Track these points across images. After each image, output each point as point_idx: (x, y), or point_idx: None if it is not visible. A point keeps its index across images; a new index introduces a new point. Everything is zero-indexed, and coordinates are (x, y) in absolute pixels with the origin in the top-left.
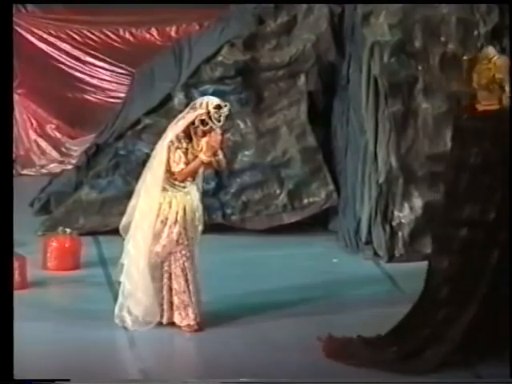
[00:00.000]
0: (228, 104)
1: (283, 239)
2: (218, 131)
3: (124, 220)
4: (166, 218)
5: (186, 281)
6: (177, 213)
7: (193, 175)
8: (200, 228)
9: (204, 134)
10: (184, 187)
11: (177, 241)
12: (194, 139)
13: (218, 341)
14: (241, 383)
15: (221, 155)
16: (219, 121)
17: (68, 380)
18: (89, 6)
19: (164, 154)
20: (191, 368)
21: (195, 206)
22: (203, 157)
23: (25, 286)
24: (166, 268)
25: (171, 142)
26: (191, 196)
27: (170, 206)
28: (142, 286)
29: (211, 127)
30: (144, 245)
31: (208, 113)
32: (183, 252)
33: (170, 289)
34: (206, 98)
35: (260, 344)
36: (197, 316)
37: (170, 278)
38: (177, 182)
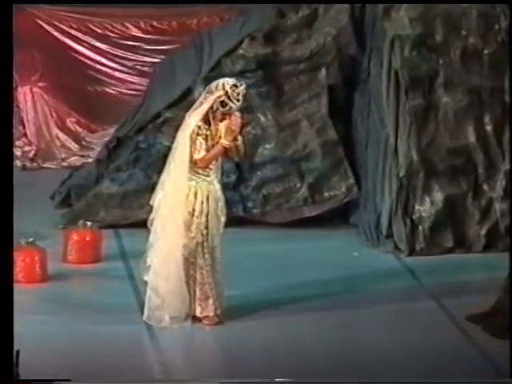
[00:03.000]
0: (243, 83)
1: (304, 233)
2: (238, 114)
3: (153, 214)
4: (193, 209)
5: (208, 272)
6: (202, 203)
7: (214, 161)
8: (223, 219)
9: (223, 117)
10: (207, 175)
11: (201, 231)
12: (213, 124)
13: (239, 334)
14: (250, 383)
15: (240, 141)
16: (238, 100)
17: (68, 380)
18: (89, 6)
19: (187, 143)
20: (211, 362)
21: (218, 196)
22: (224, 141)
23: (45, 279)
24: (191, 260)
25: (192, 130)
26: (214, 186)
27: (196, 197)
28: (179, 279)
29: (231, 108)
30: (178, 237)
31: (226, 93)
32: (207, 243)
33: (195, 280)
34: (221, 80)
35: (280, 337)
36: (217, 308)
37: (195, 270)
38: (200, 171)
